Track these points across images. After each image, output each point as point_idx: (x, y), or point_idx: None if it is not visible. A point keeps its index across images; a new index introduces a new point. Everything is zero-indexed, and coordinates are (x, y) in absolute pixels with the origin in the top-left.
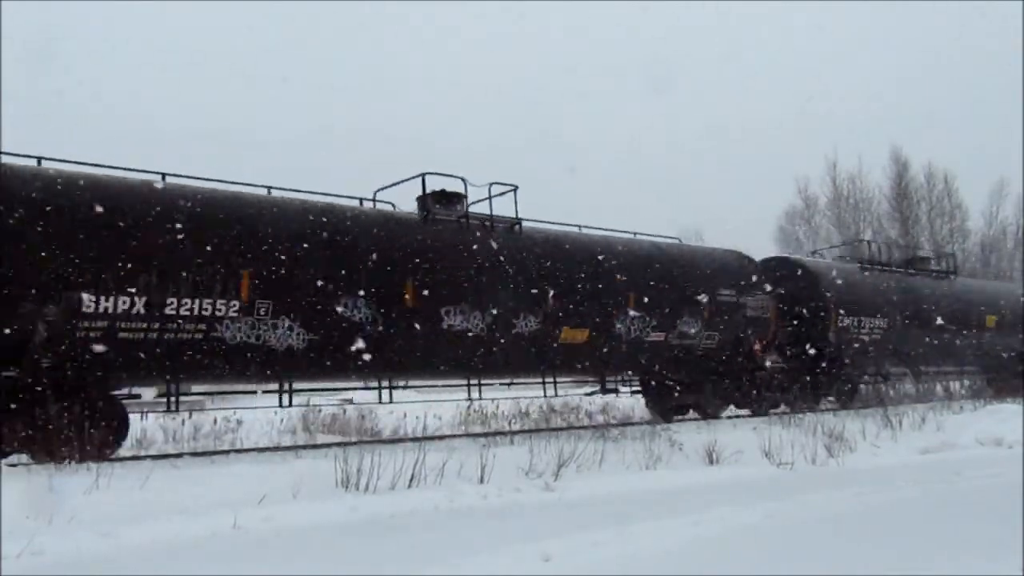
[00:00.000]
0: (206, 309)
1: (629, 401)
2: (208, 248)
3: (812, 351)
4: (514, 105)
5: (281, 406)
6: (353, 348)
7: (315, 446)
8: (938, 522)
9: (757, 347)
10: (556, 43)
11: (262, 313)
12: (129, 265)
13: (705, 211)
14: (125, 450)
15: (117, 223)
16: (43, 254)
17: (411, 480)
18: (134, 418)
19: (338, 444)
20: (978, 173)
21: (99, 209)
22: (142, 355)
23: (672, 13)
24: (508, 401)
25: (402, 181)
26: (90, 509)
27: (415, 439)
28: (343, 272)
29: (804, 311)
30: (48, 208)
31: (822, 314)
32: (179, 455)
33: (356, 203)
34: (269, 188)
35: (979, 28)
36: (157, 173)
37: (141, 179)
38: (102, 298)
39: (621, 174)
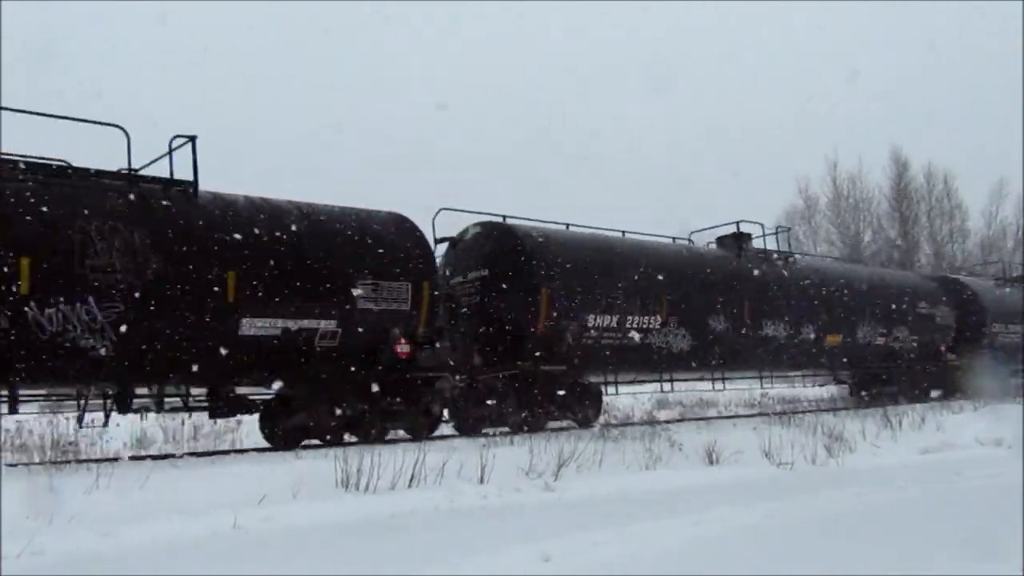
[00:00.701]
0: (645, 323)
1: (629, 401)
2: (648, 284)
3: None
4: (514, 105)
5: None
6: (716, 350)
7: (315, 446)
8: (938, 522)
9: (942, 347)
10: (556, 43)
11: (672, 326)
12: (611, 297)
13: (705, 211)
14: (127, 450)
15: (610, 270)
16: (565, 291)
17: (411, 480)
18: (133, 418)
19: (338, 444)
20: (978, 173)
21: (597, 261)
22: (608, 354)
23: (672, 13)
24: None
25: (718, 226)
26: (90, 509)
27: (415, 439)
28: (711, 296)
29: (967, 320)
30: (568, 265)
31: (975, 319)
32: (179, 455)
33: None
34: (623, 232)
35: (979, 28)
36: (618, 231)
37: (612, 235)
38: (596, 318)
39: (621, 173)
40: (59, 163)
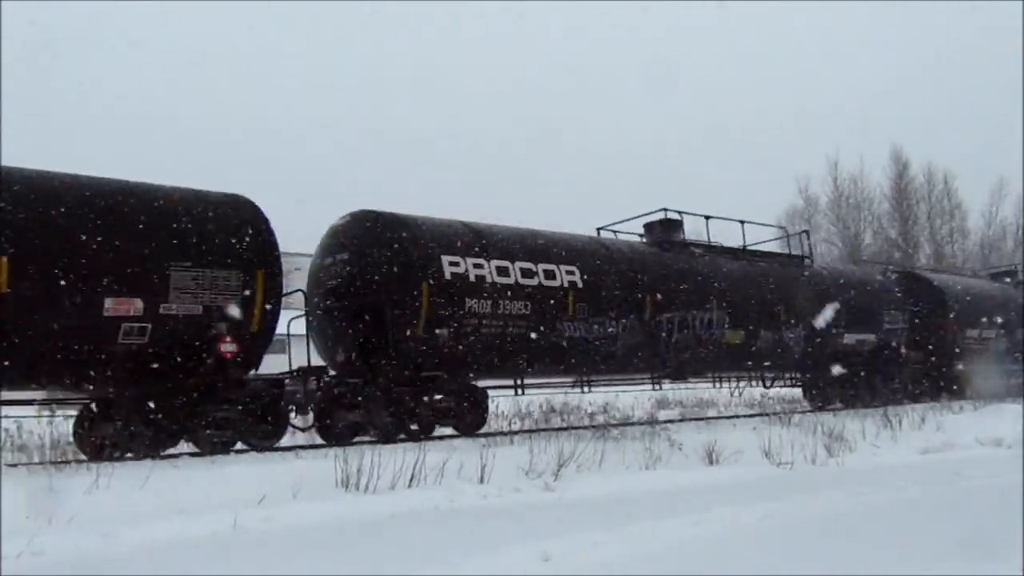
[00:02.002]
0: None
1: (629, 400)
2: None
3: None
4: (513, 105)
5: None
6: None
7: (315, 446)
8: (938, 522)
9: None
10: (556, 43)
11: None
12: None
13: (705, 210)
14: None
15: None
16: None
17: (411, 480)
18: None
19: (338, 444)
20: (978, 173)
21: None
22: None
23: (672, 13)
24: (508, 401)
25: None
26: (90, 509)
27: (415, 439)
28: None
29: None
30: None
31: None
32: (179, 455)
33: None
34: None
35: (980, 28)
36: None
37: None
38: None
39: (621, 173)
40: None
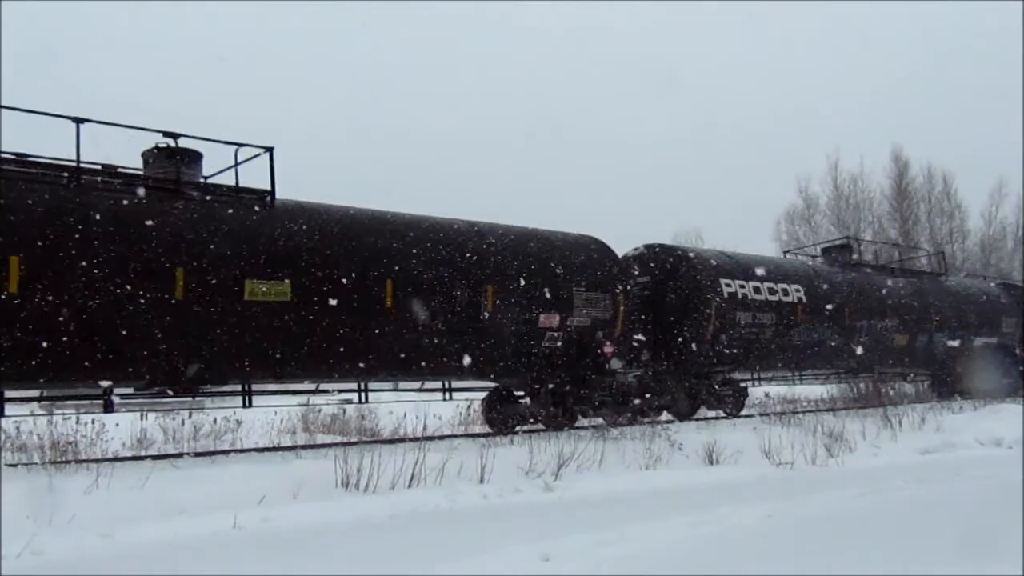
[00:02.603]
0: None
1: None
2: None
3: None
4: (513, 104)
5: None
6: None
7: (315, 446)
8: (938, 522)
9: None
10: (556, 42)
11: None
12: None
13: (705, 210)
14: (125, 450)
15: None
16: None
17: (411, 480)
18: (134, 417)
19: (338, 444)
20: (978, 173)
21: None
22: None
23: (673, 13)
24: None
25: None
26: (90, 509)
27: (415, 439)
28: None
29: None
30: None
31: None
32: (179, 455)
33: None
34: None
35: (980, 28)
36: None
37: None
38: None
39: (620, 172)
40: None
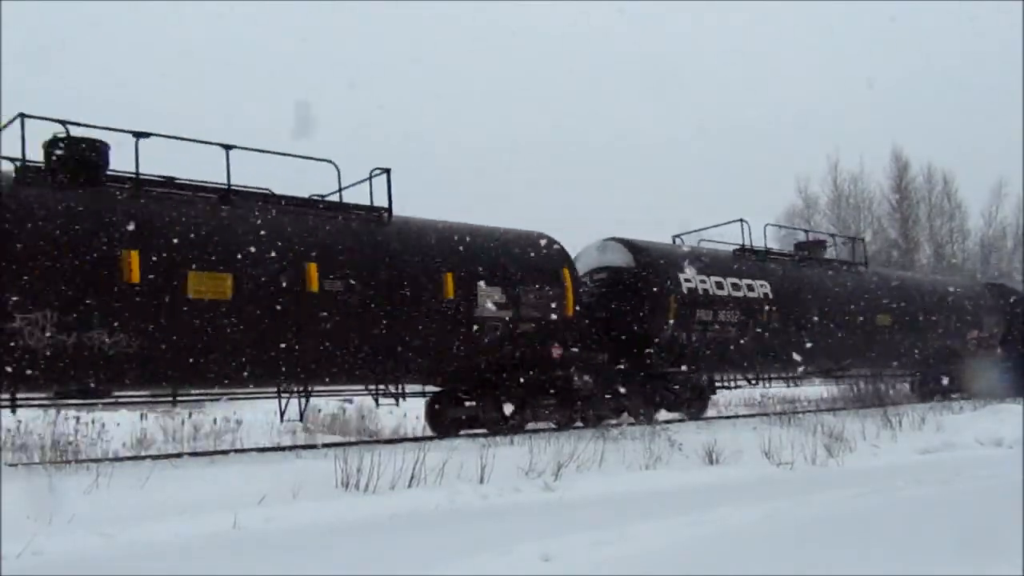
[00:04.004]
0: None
1: None
2: None
3: None
4: (512, 105)
5: None
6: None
7: (315, 446)
8: (938, 522)
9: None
10: (556, 42)
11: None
12: None
13: (705, 210)
14: (125, 450)
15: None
16: None
17: (411, 480)
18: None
19: (338, 444)
20: (978, 173)
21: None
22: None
23: (672, 13)
24: None
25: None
26: (90, 509)
27: (415, 439)
28: None
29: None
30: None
31: None
32: (179, 455)
33: None
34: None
35: (980, 28)
36: None
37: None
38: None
39: (620, 172)
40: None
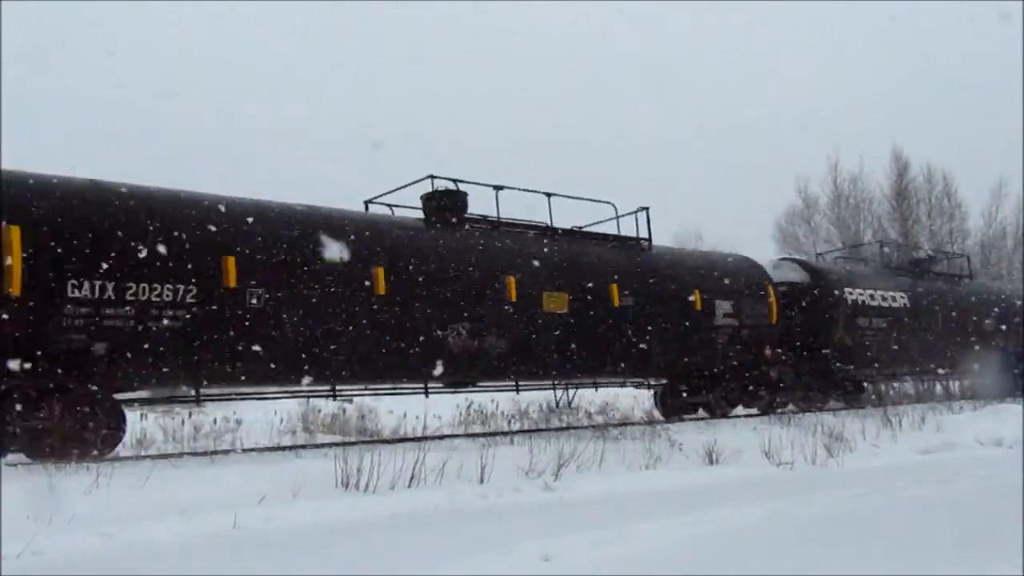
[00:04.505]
0: None
1: (629, 401)
2: None
3: None
4: (513, 104)
5: None
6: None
7: (315, 446)
8: (938, 522)
9: None
10: (556, 42)
11: None
12: None
13: (705, 210)
14: (125, 450)
15: None
16: None
17: (411, 480)
18: (134, 418)
19: (338, 444)
20: (978, 173)
21: None
22: None
23: (672, 13)
24: (508, 401)
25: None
26: (90, 509)
27: (415, 439)
28: None
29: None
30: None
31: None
32: (179, 455)
33: None
34: None
35: (980, 28)
36: None
37: None
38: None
39: (620, 172)
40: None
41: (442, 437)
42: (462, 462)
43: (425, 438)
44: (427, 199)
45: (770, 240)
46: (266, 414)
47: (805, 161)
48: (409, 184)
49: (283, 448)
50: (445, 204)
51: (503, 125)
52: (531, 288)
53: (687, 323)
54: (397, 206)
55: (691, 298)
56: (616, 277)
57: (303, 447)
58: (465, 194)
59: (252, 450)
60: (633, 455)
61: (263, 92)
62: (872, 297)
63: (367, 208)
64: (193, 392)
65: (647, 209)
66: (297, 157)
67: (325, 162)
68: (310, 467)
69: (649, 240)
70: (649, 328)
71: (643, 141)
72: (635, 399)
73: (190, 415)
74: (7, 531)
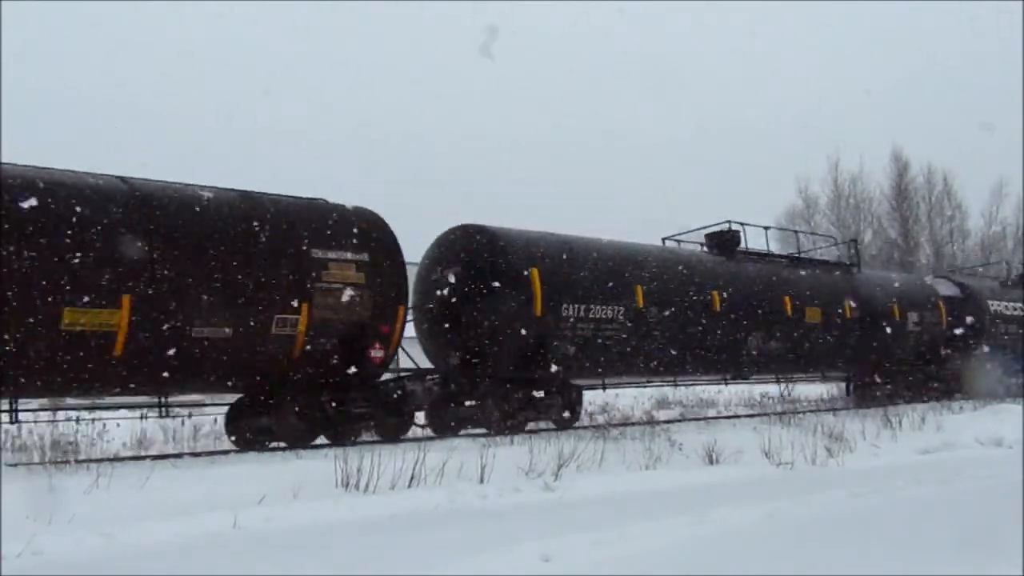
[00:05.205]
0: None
1: (629, 401)
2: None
3: None
4: (513, 104)
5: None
6: None
7: (315, 446)
8: (938, 522)
9: None
10: (556, 42)
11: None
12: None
13: (705, 210)
14: (126, 450)
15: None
16: None
17: (411, 480)
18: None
19: (338, 444)
20: (978, 173)
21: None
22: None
23: (672, 13)
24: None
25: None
26: (90, 509)
27: (415, 439)
28: None
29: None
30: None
31: None
32: (179, 455)
33: None
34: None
35: (980, 28)
36: None
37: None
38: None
39: (620, 172)
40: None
41: (442, 437)
42: (462, 462)
43: (425, 438)
44: (712, 236)
45: (770, 240)
46: None
47: (805, 161)
48: (704, 227)
49: (283, 448)
50: (727, 240)
51: (503, 125)
52: (798, 303)
53: (890, 329)
54: (687, 241)
55: (893, 310)
56: (846, 295)
57: (303, 447)
58: (736, 232)
59: (252, 450)
60: (633, 455)
61: (263, 92)
62: (1006, 308)
63: (663, 243)
64: None
65: (855, 241)
66: (297, 157)
67: (325, 162)
68: (310, 467)
69: (858, 265)
70: (870, 333)
71: (643, 141)
72: (635, 399)
73: (190, 415)
74: (7, 531)
